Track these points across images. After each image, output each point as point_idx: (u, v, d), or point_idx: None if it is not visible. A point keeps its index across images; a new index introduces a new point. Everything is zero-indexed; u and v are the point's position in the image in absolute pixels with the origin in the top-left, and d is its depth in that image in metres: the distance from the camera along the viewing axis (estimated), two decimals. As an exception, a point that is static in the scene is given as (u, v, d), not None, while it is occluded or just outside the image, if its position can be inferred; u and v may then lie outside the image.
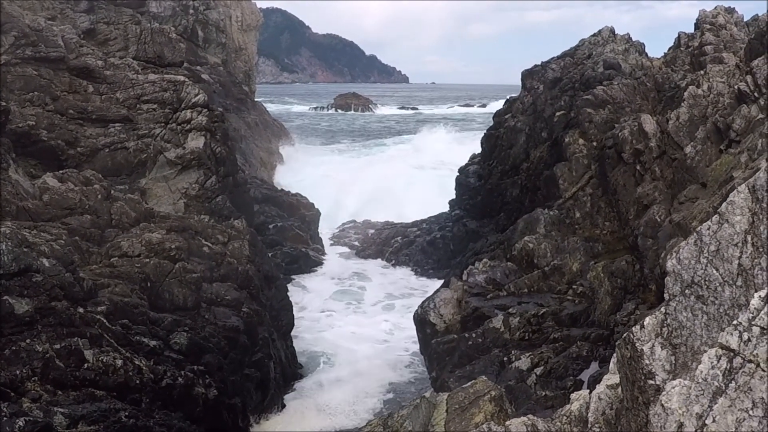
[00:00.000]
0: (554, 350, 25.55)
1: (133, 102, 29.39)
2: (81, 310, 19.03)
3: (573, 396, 9.41)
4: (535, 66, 46.51)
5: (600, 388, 8.08)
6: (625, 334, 6.46)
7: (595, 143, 34.19)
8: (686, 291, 6.01)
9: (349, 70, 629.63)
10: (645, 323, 6.24)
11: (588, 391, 8.90)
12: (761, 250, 5.51)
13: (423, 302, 29.97)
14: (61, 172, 24.32)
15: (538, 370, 24.70)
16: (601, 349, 24.82)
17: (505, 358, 25.64)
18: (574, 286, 28.61)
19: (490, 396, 15.09)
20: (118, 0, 32.46)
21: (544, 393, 23.86)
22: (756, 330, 4.64)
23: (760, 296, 4.77)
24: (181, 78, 30.98)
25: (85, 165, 26.88)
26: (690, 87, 29.15)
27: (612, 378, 7.92)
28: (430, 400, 15.34)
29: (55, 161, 26.41)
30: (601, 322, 26.50)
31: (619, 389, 7.22)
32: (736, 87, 26.82)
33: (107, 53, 30.53)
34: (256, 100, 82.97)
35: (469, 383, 15.91)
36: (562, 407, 9.35)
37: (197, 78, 55.60)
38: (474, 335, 26.85)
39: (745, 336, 4.69)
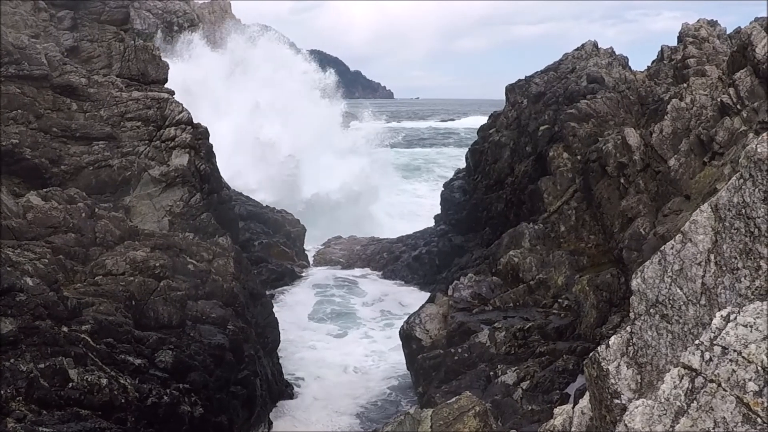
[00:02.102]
0: (540, 364, 25.59)
1: (117, 119, 29.36)
2: (65, 329, 18.98)
3: (556, 411, 9.45)
4: (519, 80, 46.62)
5: (583, 402, 8.10)
6: (591, 353, 6.51)
7: (579, 157, 34.34)
8: (651, 310, 6.05)
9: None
10: (611, 342, 6.29)
11: (571, 405, 8.93)
12: (724, 269, 5.57)
13: (409, 318, 30.02)
14: (45, 190, 24.27)
15: (525, 384, 24.73)
16: (587, 363, 24.84)
17: (492, 373, 25.68)
18: (559, 300, 28.69)
19: (474, 411, 15.12)
20: (102, 17, 32.37)
21: (530, 407, 23.88)
22: (717, 350, 4.68)
23: (722, 315, 4.81)
24: (165, 95, 30.97)
25: (69, 183, 26.83)
26: (673, 100, 29.34)
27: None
28: (414, 416, 15.37)
29: (38, 179, 26.34)
30: (587, 335, 26.57)
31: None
32: (719, 99, 27.00)
33: (91, 71, 30.46)
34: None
35: (453, 399, 15.96)
36: (546, 422, 9.40)
37: (182, 95, 55.54)
38: (460, 350, 26.90)
39: (707, 356, 4.73)
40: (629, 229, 27.87)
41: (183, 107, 30.97)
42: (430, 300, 31.03)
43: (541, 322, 27.49)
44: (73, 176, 27.48)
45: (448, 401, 16.17)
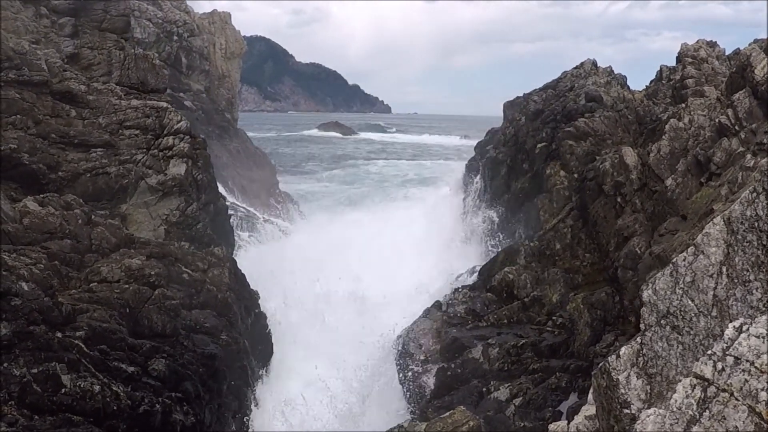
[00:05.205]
0: (533, 381, 25.54)
1: (116, 127, 29.35)
2: (59, 334, 18.93)
3: (551, 427, 9.43)
4: (517, 97, 46.68)
5: (578, 419, 8.09)
6: (601, 364, 6.49)
7: (576, 175, 34.34)
8: (662, 321, 6.04)
9: (331, 99, 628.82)
10: (621, 353, 6.27)
11: (566, 422, 8.91)
12: (736, 281, 5.56)
13: (402, 332, 29.92)
14: (41, 196, 24.24)
15: (517, 401, 24.66)
16: (580, 381, 24.82)
17: (484, 389, 25.60)
18: (553, 318, 28.64)
19: (468, 426, 15.12)
20: (103, 25, 32.38)
21: (522, 424, 23.81)
22: (730, 360, 4.67)
23: (734, 326, 4.80)
24: (164, 104, 30.96)
25: (66, 189, 26.80)
26: (671, 120, 29.33)
27: (590, 409, 7.93)
28: (408, 429, 15.36)
29: (36, 185, 26.31)
30: (581, 353, 26.52)
31: (597, 420, 7.24)
32: (717, 120, 26.99)
33: (90, 78, 30.48)
34: (238, 127, 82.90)
35: (447, 413, 15.94)
36: (541, 437, 9.42)
37: (180, 104, 55.65)
38: (453, 365, 26.82)
39: (719, 366, 4.71)
40: (625, 248, 27.85)
41: (181, 116, 30.98)
42: (424, 315, 30.95)
43: (534, 340, 27.45)
44: (71, 183, 27.46)
45: (442, 416, 16.18)
